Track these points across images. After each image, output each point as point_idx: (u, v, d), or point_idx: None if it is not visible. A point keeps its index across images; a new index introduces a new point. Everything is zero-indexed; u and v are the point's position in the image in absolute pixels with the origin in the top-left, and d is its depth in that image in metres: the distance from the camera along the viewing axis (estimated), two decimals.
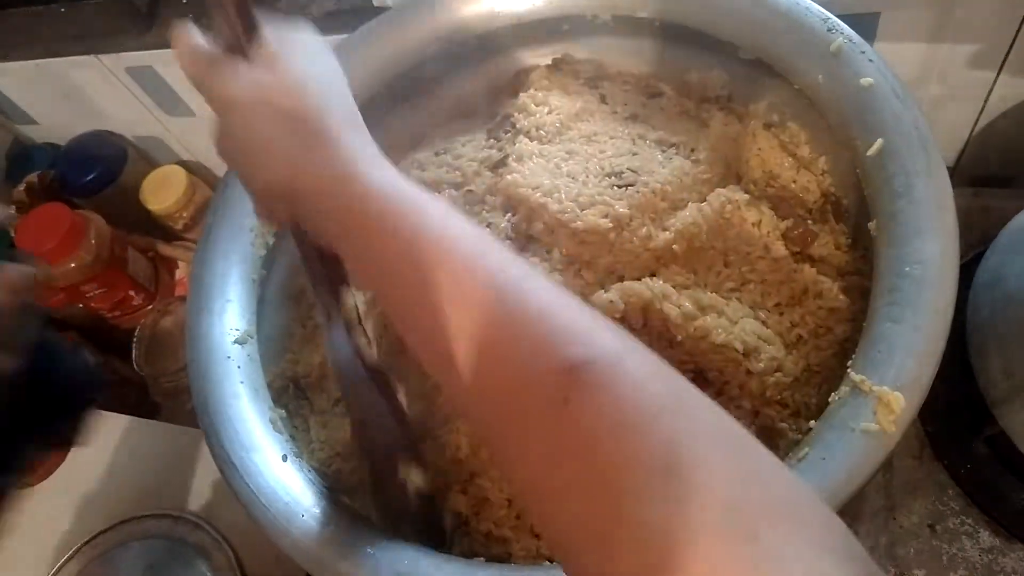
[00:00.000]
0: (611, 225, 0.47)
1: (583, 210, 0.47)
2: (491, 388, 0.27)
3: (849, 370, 0.39)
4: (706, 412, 0.25)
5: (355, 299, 0.43)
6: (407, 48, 0.59)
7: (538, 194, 0.49)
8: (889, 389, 0.37)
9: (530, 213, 0.50)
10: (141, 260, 0.84)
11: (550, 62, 0.61)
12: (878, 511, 0.56)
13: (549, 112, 0.56)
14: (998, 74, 0.63)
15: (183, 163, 0.92)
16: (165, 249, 0.87)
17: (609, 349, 0.26)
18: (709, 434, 0.24)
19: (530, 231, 0.50)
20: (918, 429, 0.59)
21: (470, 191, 0.54)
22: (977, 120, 0.67)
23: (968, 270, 0.56)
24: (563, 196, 0.48)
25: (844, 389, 0.39)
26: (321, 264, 0.42)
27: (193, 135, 0.90)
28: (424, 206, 0.32)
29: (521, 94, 0.57)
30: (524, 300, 0.28)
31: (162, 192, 0.86)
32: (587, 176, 0.50)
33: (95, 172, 0.88)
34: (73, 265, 0.77)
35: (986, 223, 0.61)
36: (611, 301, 0.45)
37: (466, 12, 0.58)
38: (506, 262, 0.29)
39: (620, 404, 0.24)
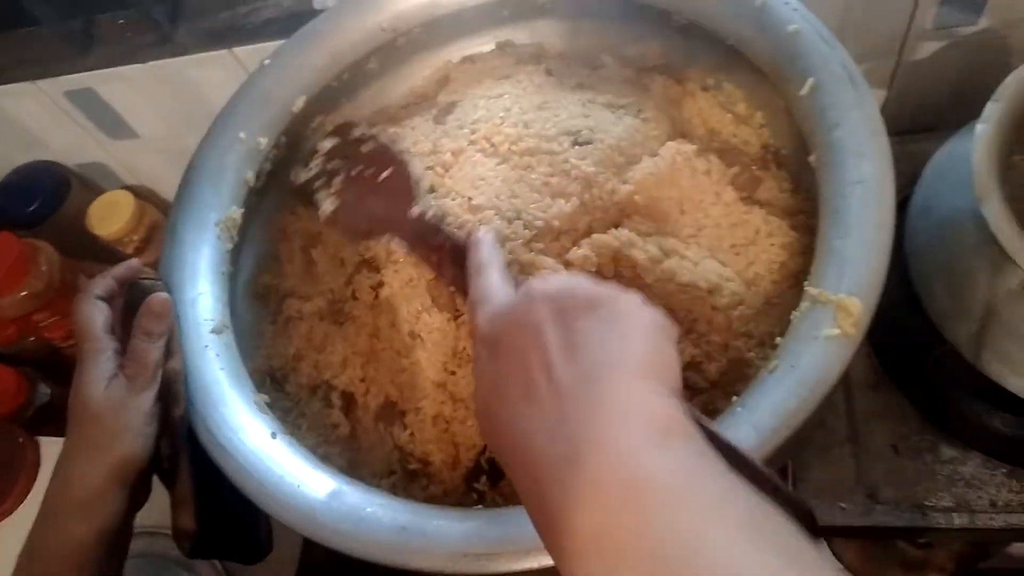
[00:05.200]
0: (580, 188, 0.49)
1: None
2: None
3: (807, 287, 0.42)
4: None
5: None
6: (352, 42, 0.60)
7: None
8: (845, 295, 0.39)
9: None
10: None
11: (494, 47, 0.64)
12: (843, 440, 0.60)
13: (497, 96, 0.58)
14: (907, 30, 0.68)
15: (128, 187, 0.91)
16: None
17: None
18: None
19: None
20: (872, 360, 0.62)
21: None
22: (894, 73, 0.72)
23: (901, 209, 0.60)
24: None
25: (804, 304, 0.41)
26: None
27: (137, 158, 0.90)
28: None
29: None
30: None
31: (110, 218, 0.85)
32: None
33: (36, 203, 0.86)
34: (24, 294, 0.76)
35: (912, 165, 0.65)
36: (585, 256, 0.47)
37: (408, 3, 0.60)
38: None
39: None
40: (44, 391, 0.80)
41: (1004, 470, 0.56)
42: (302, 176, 0.55)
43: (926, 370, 0.57)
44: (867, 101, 0.45)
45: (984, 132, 0.48)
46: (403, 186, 0.51)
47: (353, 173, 0.54)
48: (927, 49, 0.69)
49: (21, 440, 0.73)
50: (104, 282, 0.49)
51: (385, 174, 0.52)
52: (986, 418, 0.55)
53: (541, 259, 0.47)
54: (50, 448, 0.73)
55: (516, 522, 0.38)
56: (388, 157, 0.53)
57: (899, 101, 0.74)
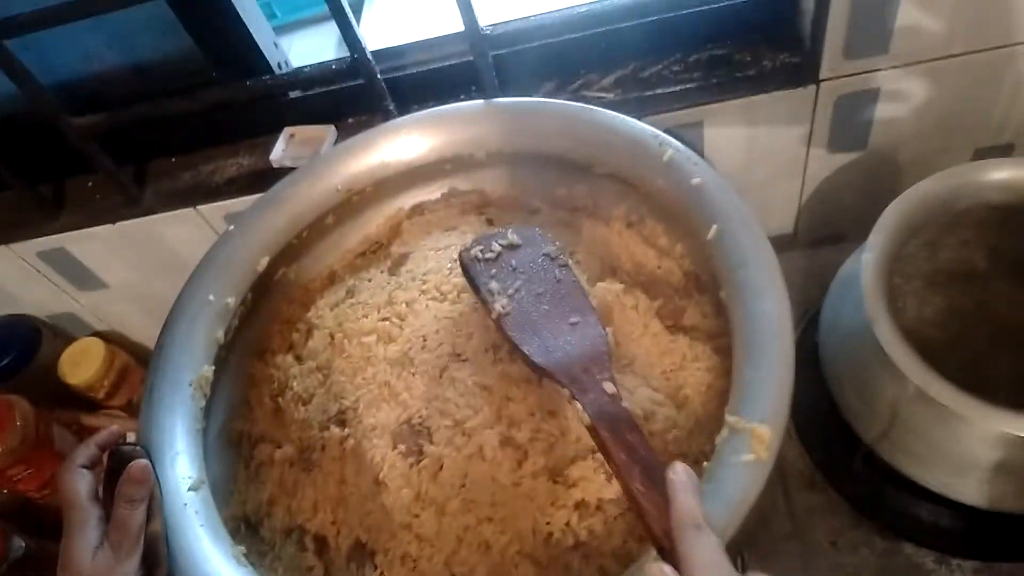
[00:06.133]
0: None
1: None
2: None
3: (727, 414, 0.47)
4: None
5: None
6: (310, 204, 0.66)
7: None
8: (757, 424, 0.45)
9: None
10: (67, 435, 0.85)
11: (439, 196, 0.70)
12: (787, 536, 0.64)
13: (444, 248, 0.64)
14: (807, 153, 0.76)
15: (98, 333, 0.95)
16: (89, 420, 0.89)
17: None
18: None
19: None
20: (806, 460, 0.67)
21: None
22: (801, 192, 0.81)
23: (816, 320, 0.66)
24: None
25: (725, 431, 0.46)
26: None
27: (106, 305, 0.94)
28: None
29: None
30: None
31: (81, 365, 0.88)
32: None
33: (9, 356, 0.89)
34: (0, 451, 0.78)
35: (825, 277, 0.72)
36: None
37: (360, 165, 0.67)
38: None
39: None
40: (19, 544, 0.81)
41: (932, 557, 0.60)
42: (473, 250, 0.55)
43: (852, 467, 0.63)
44: (762, 242, 0.52)
45: (868, 261, 0.55)
46: (596, 349, 0.49)
47: (538, 290, 0.52)
48: (826, 170, 0.78)
49: None
50: (87, 451, 0.52)
51: (575, 319, 0.50)
52: (910, 509, 0.60)
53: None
54: None
55: None
56: (580, 304, 0.51)
57: (809, 214, 0.82)
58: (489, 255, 0.55)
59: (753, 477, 0.44)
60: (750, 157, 0.77)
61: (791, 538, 0.64)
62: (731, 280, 0.52)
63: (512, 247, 0.55)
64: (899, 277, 0.59)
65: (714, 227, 0.53)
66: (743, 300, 0.50)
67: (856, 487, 0.64)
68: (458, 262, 0.56)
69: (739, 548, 0.62)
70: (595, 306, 0.56)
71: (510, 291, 0.53)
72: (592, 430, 0.46)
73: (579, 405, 0.46)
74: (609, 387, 0.47)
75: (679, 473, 0.41)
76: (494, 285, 0.53)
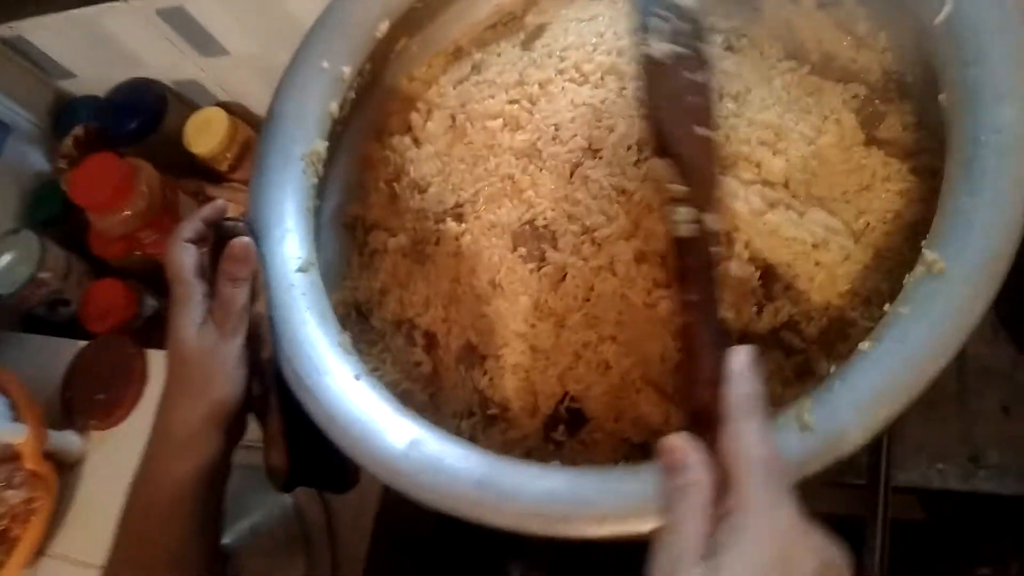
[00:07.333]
0: None
1: None
2: None
3: (925, 249, 0.38)
4: None
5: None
6: None
7: None
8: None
9: None
10: (191, 203, 0.86)
11: None
12: (950, 397, 0.56)
13: (589, 19, 0.54)
14: None
15: (222, 104, 0.92)
16: (213, 191, 0.88)
17: None
18: None
19: None
20: (990, 313, 0.57)
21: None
22: None
23: None
24: None
25: (919, 269, 0.38)
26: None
27: (228, 75, 0.90)
28: None
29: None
30: None
31: (205, 135, 0.86)
32: None
33: (138, 121, 0.89)
34: (128, 213, 0.79)
35: None
36: None
37: None
38: None
39: None
40: (151, 303, 0.85)
41: None
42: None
43: None
44: (1014, 28, 0.39)
45: None
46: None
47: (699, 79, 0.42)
48: None
49: (131, 351, 0.77)
50: (192, 225, 0.49)
51: (701, 132, 0.42)
52: None
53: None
54: (156, 360, 0.78)
55: (594, 486, 0.38)
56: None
57: None
58: None
59: (950, 331, 0.35)
60: None
61: (953, 398, 0.56)
62: (960, 79, 0.40)
63: None
64: None
65: (947, 6, 0.41)
66: (973, 105, 0.39)
67: None
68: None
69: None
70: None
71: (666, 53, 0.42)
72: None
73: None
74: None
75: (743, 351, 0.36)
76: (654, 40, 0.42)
